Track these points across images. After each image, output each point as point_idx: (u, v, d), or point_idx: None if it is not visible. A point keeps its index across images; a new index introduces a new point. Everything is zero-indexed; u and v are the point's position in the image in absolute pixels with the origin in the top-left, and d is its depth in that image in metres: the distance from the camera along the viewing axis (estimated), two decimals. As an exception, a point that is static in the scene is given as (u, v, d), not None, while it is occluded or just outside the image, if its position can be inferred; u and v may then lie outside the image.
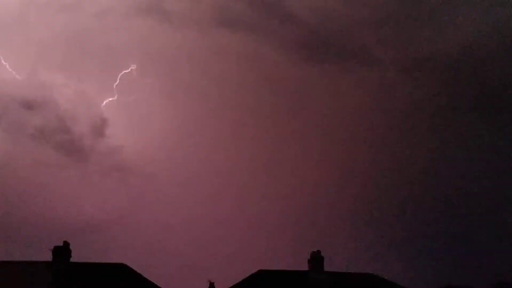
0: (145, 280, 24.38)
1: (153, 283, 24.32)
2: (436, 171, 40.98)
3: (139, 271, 24.76)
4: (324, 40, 45.07)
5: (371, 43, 44.98)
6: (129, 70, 42.18)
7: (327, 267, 25.47)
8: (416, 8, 45.31)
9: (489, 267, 33.67)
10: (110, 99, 42.67)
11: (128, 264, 24.88)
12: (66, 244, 24.38)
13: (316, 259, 25.28)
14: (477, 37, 43.56)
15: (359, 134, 43.02)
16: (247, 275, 25.12)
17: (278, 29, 44.81)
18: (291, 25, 45.01)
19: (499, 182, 38.69)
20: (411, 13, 45.21)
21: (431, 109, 43.35)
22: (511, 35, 43.17)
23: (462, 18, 44.56)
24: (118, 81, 43.10)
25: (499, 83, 42.42)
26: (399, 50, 44.74)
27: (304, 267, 25.60)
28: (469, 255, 35.93)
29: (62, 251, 24.26)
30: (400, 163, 41.12)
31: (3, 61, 40.13)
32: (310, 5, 45.02)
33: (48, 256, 24.23)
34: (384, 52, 44.60)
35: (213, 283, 25.35)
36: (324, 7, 44.91)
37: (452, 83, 43.55)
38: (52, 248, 24.25)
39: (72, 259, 24.43)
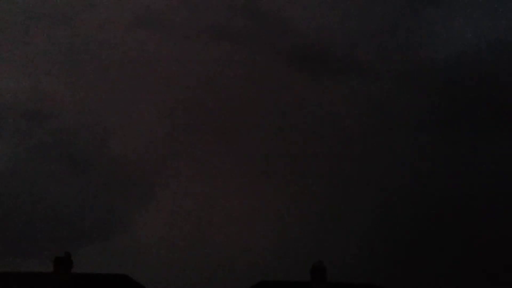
0: (147, 291, 24.36)
1: (155, 294, 24.29)
2: (440, 179, 40.97)
3: (141, 282, 24.70)
4: (321, 52, 45.36)
5: (368, 55, 45.24)
6: (130, 81, 42.48)
7: (329, 278, 25.37)
8: (413, 19, 45.66)
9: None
10: (113, 110, 42.91)
11: (130, 275, 24.82)
12: (68, 254, 24.35)
13: (318, 269, 25.18)
14: (474, 47, 43.83)
15: (358, 144, 43.10)
16: (249, 286, 25.04)
17: (275, 41, 45.13)
18: (289, 37, 45.33)
19: (500, 191, 38.63)
20: (408, 24, 45.56)
21: (429, 120, 43.49)
22: (507, 46, 43.45)
23: (458, 29, 44.90)
24: (120, 92, 43.38)
25: (497, 92, 42.57)
26: (396, 61, 44.96)
27: (306, 277, 25.52)
28: (480, 267, 35.64)
29: (64, 262, 24.21)
30: (402, 172, 41.12)
31: (5, 73, 40.41)
32: (307, 17, 45.36)
33: (49, 267, 24.20)
34: (381, 64, 44.85)
35: (215, 294, 25.28)
36: (321, 19, 45.25)
37: (450, 93, 43.72)
38: (54, 258, 24.24)
39: (73, 270, 24.39)
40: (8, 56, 42.43)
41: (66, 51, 43.47)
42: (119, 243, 37.08)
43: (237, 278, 29.24)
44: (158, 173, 42.11)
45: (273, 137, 43.49)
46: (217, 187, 41.45)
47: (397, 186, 40.22)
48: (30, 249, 33.74)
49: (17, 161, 39.83)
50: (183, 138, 43.17)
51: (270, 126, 43.77)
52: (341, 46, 45.45)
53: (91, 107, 42.83)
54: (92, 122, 42.61)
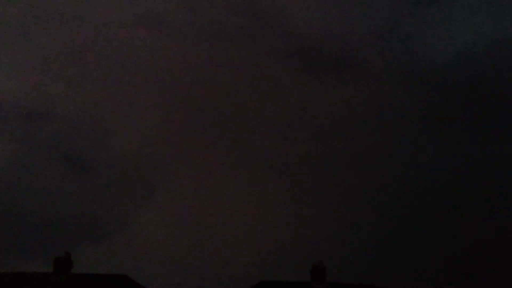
0: (147, 291, 24.36)
1: (155, 294, 24.28)
2: (439, 179, 40.96)
3: (140, 282, 24.70)
4: (322, 52, 45.41)
5: (369, 55, 45.29)
6: (130, 81, 42.51)
7: (329, 278, 25.38)
8: (413, 19, 45.73)
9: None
10: (112, 109, 42.92)
11: (129, 275, 24.82)
12: (68, 254, 24.34)
13: (318, 269, 25.17)
14: (474, 47, 43.91)
15: (358, 144, 43.09)
16: (249, 286, 25.05)
17: (276, 41, 45.16)
18: (289, 37, 45.33)
19: (500, 190, 38.68)
20: (407, 24, 45.64)
21: (429, 119, 43.49)
22: (505, 46, 43.56)
23: (458, 29, 45.01)
24: (120, 92, 43.38)
25: (497, 92, 42.62)
26: (396, 61, 45.01)
27: (306, 277, 25.52)
28: (480, 267, 35.57)
29: (64, 262, 24.21)
30: (402, 172, 41.12)
31: (6, 73, 40.43)
32: (308, 18, 45.36)
33: (49, 267, 24.21)
34: (381, 64, 44.88)
35: (215, 294, 25.29)
36: (322, 19, 45.27)
37: (450, 93, 43.76)
38: (54, 258, 24.24)
39: (73, 270, 24.39)
40: (8, 56, 42.49)
41: (66, 51, 43.51)
42: (119, 243, 37.11)
43: (237, 278, 29.28)
44: (158, 173, 42.17)
45: (273, 137, 43.53)
46: (216, 187, 41.48)
47: (397, 186, 40.27)
48: (30, 249, 33.76)
49: (17, 161, 39.85)
50: (183, 138, 43.22)
51: (270, 126, 43.82)
52: (342, 46, 45.52)
53: (91, 107, 42.88)
54: (92, 122, 42.67)
